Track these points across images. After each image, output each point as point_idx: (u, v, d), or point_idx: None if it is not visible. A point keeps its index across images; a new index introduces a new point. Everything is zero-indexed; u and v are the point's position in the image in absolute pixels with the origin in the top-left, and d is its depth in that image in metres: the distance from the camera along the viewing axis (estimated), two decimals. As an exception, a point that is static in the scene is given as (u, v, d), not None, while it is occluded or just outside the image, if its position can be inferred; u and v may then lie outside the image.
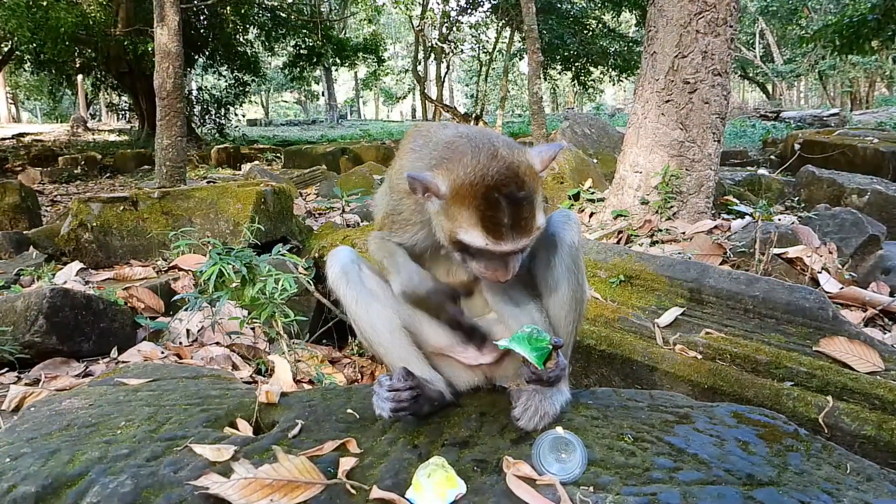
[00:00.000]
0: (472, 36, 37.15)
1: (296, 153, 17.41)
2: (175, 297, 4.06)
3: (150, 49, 15.41)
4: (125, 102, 30.93)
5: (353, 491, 1.63)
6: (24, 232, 6.50)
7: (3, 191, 7.89)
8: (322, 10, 31.63)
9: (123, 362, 3.35)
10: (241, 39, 26.75)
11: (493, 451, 1.82)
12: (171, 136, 9.48)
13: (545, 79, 31.69)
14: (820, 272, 4.35)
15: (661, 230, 5.56)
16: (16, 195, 7.89)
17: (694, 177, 5.88)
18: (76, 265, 4.77)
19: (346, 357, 4.22)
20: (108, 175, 16.53)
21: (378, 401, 1.94)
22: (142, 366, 2.75)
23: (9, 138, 25.34)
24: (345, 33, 37.30)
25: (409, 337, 2.06)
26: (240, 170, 15.93)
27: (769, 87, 42.92)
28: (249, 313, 3.63)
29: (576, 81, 33.56)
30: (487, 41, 37.25)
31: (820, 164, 8.86)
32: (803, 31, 32.69)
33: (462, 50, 38.97)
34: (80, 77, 28.49)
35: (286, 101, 71.33)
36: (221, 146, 19.95)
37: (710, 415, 2.05)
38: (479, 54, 38.80)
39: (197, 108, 27.70)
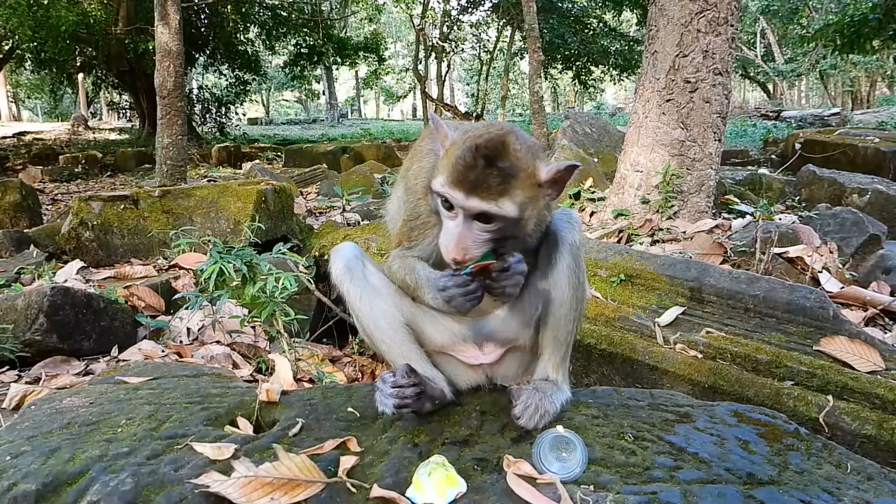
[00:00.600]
0: (473, 35, 37.16)
1: (296, 152, 17.41)
2: (175, 296, 4.06)
3: (150, 48, 15.42)
4: (126, 101, 30.98)
5: (353, 489, 1.63)
6: (25, 230, 6.50)
7: (3, 189, 7.89)
8: (323, 9, 31.60)
9: (124, 361, 3.35)
10: (242, 38, 26.76)
11: (494, 449, 1.82)
12: (172, 134, 9.49)
13: (546, 78, 31.70)
14: (820, 271, 4.35)
15: (661, 229, 5.56)
16: (16, 194, 7.89)
17: (695, 176, 5.88)
18: (77, 264, 4.77)
19: (346, 356, 4.22)
20: (108, 174, 16.54)
21: (381, 397, 1.93)
22: (142, 364, 2.75)
23: (9, 137, 25.33)
24: (345, 32, 37.30)
25: (411, 334, 2.06)
26: (240, 168, 15.93)
27: (770, 87, 42.92)
28: (250, 312, 3.63)
29: (576, 80, 33.56)
30: (488, 40, 37.26)
31: (821, 163, 8.87)
32: (804, 31, 32.65)
33: (463, 49, 38.95)
34: (80, 76, 28.50)
35: (287, 100, 71.32)
36: (222, 145, 19.96)
37: (711, 414, 2.05)
38: (479, 53, 38.82)
39: (198, 107, 27.71)
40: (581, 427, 1.92)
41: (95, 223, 5.13)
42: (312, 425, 1.99)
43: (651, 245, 5.26)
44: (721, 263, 4.58)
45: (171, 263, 4.86)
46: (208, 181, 10.83)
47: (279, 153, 18.88)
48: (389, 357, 2.06)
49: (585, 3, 30.57)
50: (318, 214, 7.95)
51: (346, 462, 1.73)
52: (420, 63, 34.39)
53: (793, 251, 4.49)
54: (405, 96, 58.90)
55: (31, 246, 5.74)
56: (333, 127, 38.82)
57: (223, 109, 28.38)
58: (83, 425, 1.97)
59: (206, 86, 30.53)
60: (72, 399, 2.18)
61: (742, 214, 6.01)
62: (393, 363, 2.05)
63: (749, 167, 12.34)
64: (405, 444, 1.86)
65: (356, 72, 51.14)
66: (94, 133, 28.77)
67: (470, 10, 33.00)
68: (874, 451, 2.48)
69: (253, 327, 4.01)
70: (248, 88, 29.62)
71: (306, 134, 32.22)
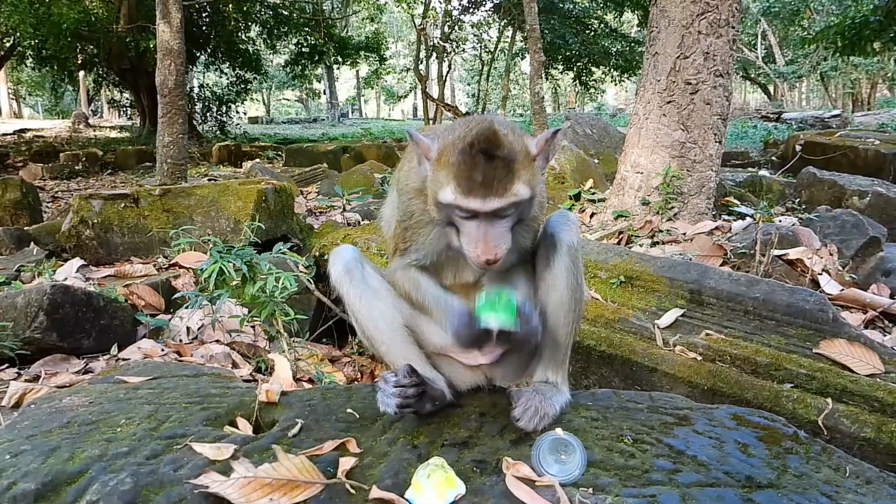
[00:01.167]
0: (474, 35, 37.14)
1: (297, 151, 17.41)
2: (175, 295, 4.06)
3: (152, 46, 15.41)
4: (127, 99, 30.94)
5: (352, 491, 1.63)
6: (25, 228, 6.51)
7: (4, 187, 7.89)
8: (324, 8, 31.62)
9: (123, 359, 3.36)
10: (243, 37, 26.75)
11: (493, 451, 1.82)
12: (173, 133, 9.48)
13: (547, 78, 31.70)
14: (820, 274, 4.34)
15: (661, 231, 5.55)
16: (17, 191, 7.89)
17: (695, 178, 5.88)
18: (77, 262, 4.77)
19: (345, 356, 4.22)
20: (109, 172, 16.53)
21: (383, 397, 1.93)
22: (142, 364, 2.76)
23: (10, 134, 25.33)
24: (347, 31, 37.31)
25: (410, 336, 2.06)
26: (241, 167, 15.93)
27: (771, 88, 42.92)
28: (250, 311, 3.63)
29: (577, 81, 33.57)
30: (489, 40, 37.25)
31: (821, 165, 8.86)
32: (805, 33, 32.66)
33: (464, 49, 38.93)
34: (81, 73, 28.45)
35: (287, 99, 71.27)
36: (223, 144, 19.96)
37: (710, 417, 2.05)
38: (480, 53, 38.79)
39: (198, 106, 27.69)
40: (580, 429, 1.92)
41: (96, 221, 5.13)
42: (312, 426, 1.99)
43: (651, 246, 5.26)
44: (721, 265, 4.57)
45: (171, 262, 4.87)
46: (209, 180, 10.83)
47: (280, 152, 18.88)
48: (389, 358, 2.07)
49: (587, 4, 30.56)
50: (318, 214, 7.96)
51: (346, 463, 1.73)
52: (421, 63, 34.40)
53: (793, 253, 4.49)
54: (406, 96, 58.89)
55: (32, 243, 5.75)
56: (334, 126, 38.82)
57: (224, 108, 28.36)
58: (83, 424, 1.98)
59: (207, 84, 30.50)
60: (71, 398, 2.19)
61: (742, 216, 6.01)
62: (392, 364, 2.05)
63: (749, 169, 12.34)
64: (404, 446, 1.86)
65: (357, 71, 51.14)
66: (94, 131, 28.74)
67: (471, 10, 32.99)
68: (873, 453, 2.47)
69: (252, 327, 4.01)
70: (248, 87, 29.60)
71: (307, 133, 32.23)
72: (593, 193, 7.05)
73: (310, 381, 3.34)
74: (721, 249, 4.81)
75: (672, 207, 5.82)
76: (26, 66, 27.44)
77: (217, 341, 3.79)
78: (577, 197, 7.05)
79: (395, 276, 2.06)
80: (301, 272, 4.12)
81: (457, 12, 33.30)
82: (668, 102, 5.84)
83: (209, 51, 25.64)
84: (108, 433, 1.92)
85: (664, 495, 1.59)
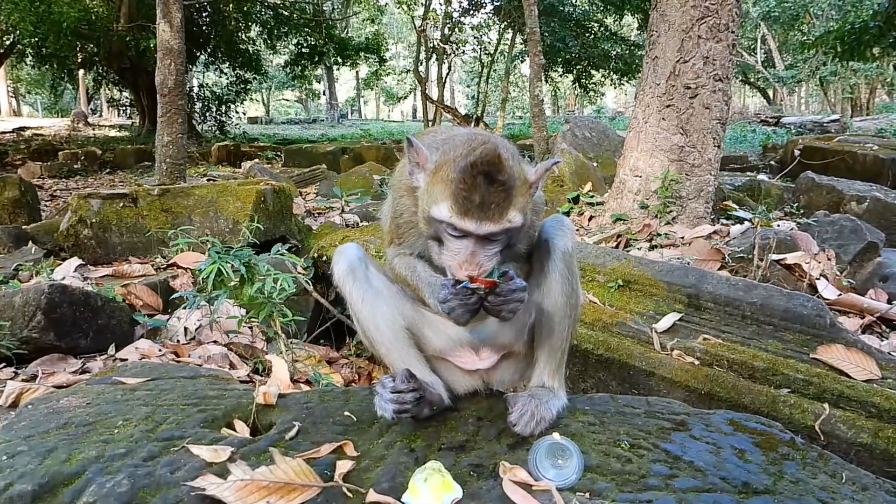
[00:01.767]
0: (474, 37, 37.12)
1: (296, 152, 17.42)
2: (173, 295, 4.06)
3: (152, 45, 15.41)
4: (126, 98, 30.94)
5: (349, 494, 1.63)
6: (23, 227, 6.51)
7: (2, 185, 7.89)
8: (324, 9, 31.61)
9: (121, 359, 3.35)
10: (243, 37, 26.76)
11: (490, 455, 1.82)
12: (172, 133, 9.47)
13: (546, 81, 31.73)
14: (818, 279, 4.35)
15: (660, 234, 5.56)
16: (15, 189, 7.88)
17: (694, 182, 5.88)
18: (75, 261, 4.77)
19: (343, 357, 4.22)
20: (107, 171, 16.53)
21: (380, 402, 1.94)
22: (140, 365, 2.75)
23: (9, 132, 25.32)
24: (347, 32, 37.31)
25: (411, 338, 2.06)
26: (240, 168, 15.94)
27: (770, 93, 42.98)
28: (248, 312, 3.62)
29: (577, 84, 33.55)
30: (489, 43, 37.22)
31: (820, 170, 8.89)
32: (805, 37, 32.73)
33: (464, 51, 38.91)
34: (81, 72, 28.45)
35: (287, 100, 71.22)
36: (222, 144, 19.98)
37: (707, 422, 2.06)
38: (480, 56, 38.76)
39: (198, 105, 27.70)
40: (577, 434, 1.92)
41: (94, 221, 5.12)
42: (309, 429, 1.99)
43: (649, 250, 5.27)
44: (719, 269, 4.58)
45: (170, 262, 4.86)
46: (207, 180, 10.84)
47: (279, 153, 18.89)
48: (389, 360, 2.07)
49: (587, 7, 30.56)
50: (316, 215, 7.96)
51: (343, 466, 1.73)
52: (421, 64, 34.38)
53: (791, 258, 4.50)
54: (405, 97, 58.88)
55: (30, 242, 5.74)
56: (333, 127, 38.81)
57: (223, 108, 28.37)
58: (80, 426, 1.97)
59: (207, 84, 30.50)
60: (69, 399, 2.18)
61: (740, 220, 6.02)
62: (392, 366, 2.05)
63: (748, 173, 12.37)
64: (402, 449, 1.86)
65: (357, 72, 51.10)
66: (93, 129, 28.76)
67: (471, 12, 32.98)
68: (869, 459, 2.48)
69: (250, 328, 4.01)
70: (248, 87, 29.61)
71: (306, 134, 32.22)
72: (592, 196, 7.06)
73: (307, 382, 3.34)
74: (719, 253, 4.81)
75: (670, 211, 5.83)
76: (26, 64, 27.44)
77: (215, 342, 3.79)
78: (575, 200, 7.06)
79: (392, 262, 2.08)
80: (299, 273, 4.12)
81: (457, 14, 33.30)
82: (668, 106, 5.85)
83: (209, 50, 25.65)
84: (105, 434, 1.92)
85: (661, 500, 1.59)
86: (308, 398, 2.25)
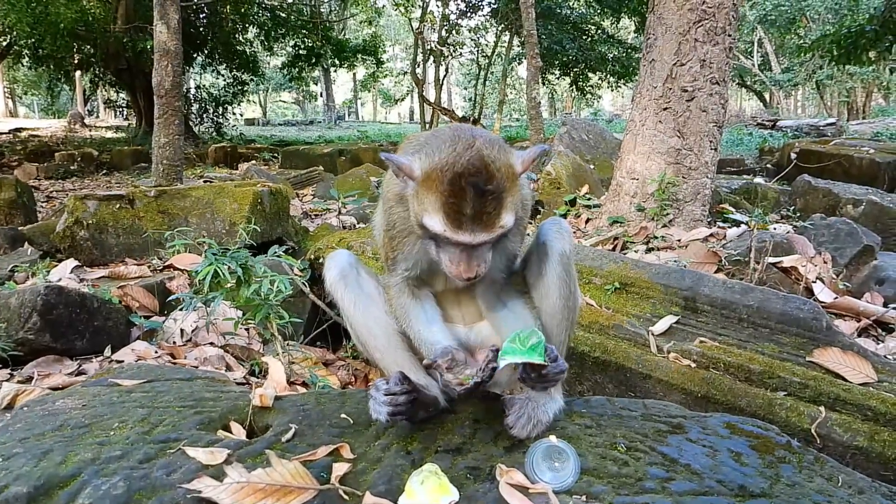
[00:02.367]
0: (472, 39, 37.15)
1: (293, 153, 17.41)
2: (170, 297, 4.05)
3: (149, 46, 15.37)
4: (123, 99, 30.86)
5: (345, 497, 1.63)
6: (20, 228, 6.48)
7: (-1, 186, 7.86)
8: (322, 10, 31.60)
9: (117, 361, 3.34)
10: (241, 38, 26.74)
11: (487, 458, 1.82)
12: (169, 134, 9.47)
13: (543, 83, 31.72)
14: (814, 282, 4.36)
15: (656, 237, 5.56)
16: (11, 191, 7.86)
17: (690, 184, 5.89)
18: (71, 262, 4.75)
19: (340, 359, 4.21)
20: (104, 172, 16.51)
21: (375, 405, 1.94)
22: (136, 366, 2.75)
23: (5, 133, 25.26)
24: (344, 34, 37.29)
25: (404, 342, 2.06)
26: (237, 169, 15.94)
27: (767, 96, 43.04)
28: (244, 314, 3.62)
29: (574, 87, 33.61)
30: (486, 45, 37.27)
31: (816, 173, 8.91)
32: (801, 41, 32.81)
33: (461, 53, 38.94)
34: (78, 73, 28.39)
35: (284, 101, 71.22)
36: (219, 145, 19.96)
37: (703, 425, 2.06)
38: (477, 58, 38.79)
39: (195, 107, 27.65)
40: (574, 437, 1.92)
41: (90, 222, 5.11)
42: (305, 431, 1.99)
43: (646, 253, 5.27)
44: (715, 272, 4.59)
45: (166, 264, 4.85)
46: (204, 181, 10.84)
47: (276, 154, 18.88)
48: (383, 364, 2.07)
49: (584, 10, 30.62)
50: (313, 217, 7.96)
51: (339, 469, 1.73)
52: (418, 66, 34.38)
53: (787, 261, 4.50)
54: (403, 99, 58.97)
55: (26, 244, 5.73)
56: (330, 129, 38.79)
57: (220, 109, 28.32)
58: (76, 428, 1.97)
59: (204, 85, 30.43)
60: (65, 401, 2.18)
61: (737, 223, 6.03)
62: (386, 370, 2.05)
63: (745, 176, 12.37)
64: (398, 452, 1.86)
65: (354, 74, 51.13)
66: (90, 131, 28.69)
67: (469, 14, 33.03)
68: (865, 462, 2.48)
69: (247, 329, 4.00)
70: (245, 89, 29.55)
71: (303, 135, 32.19)
72: (589, 199, 7.07)
73: (304, 384, 3.33)
74: (716, 256, 4.82)
75: (667, 214, 5.83)
76: (23, 66, 27.31)
77: (211, 344, 3.78)
78: (572, 202, 7.07)
79: (389, 292, 2.07)
80: (296, 275, 4.12)
81: (454, 16, 33.34)
82: (665, 109, 5.86)
83: (206, 52, 25.63)
84: (101, 436, 1.91)
85: (657, 503, 1.59)
86: (304, 400, 2.25)
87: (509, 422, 1.92)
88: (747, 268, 4.51)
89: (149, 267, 4.85)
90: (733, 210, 6.77)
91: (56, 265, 4.77)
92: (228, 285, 3.07)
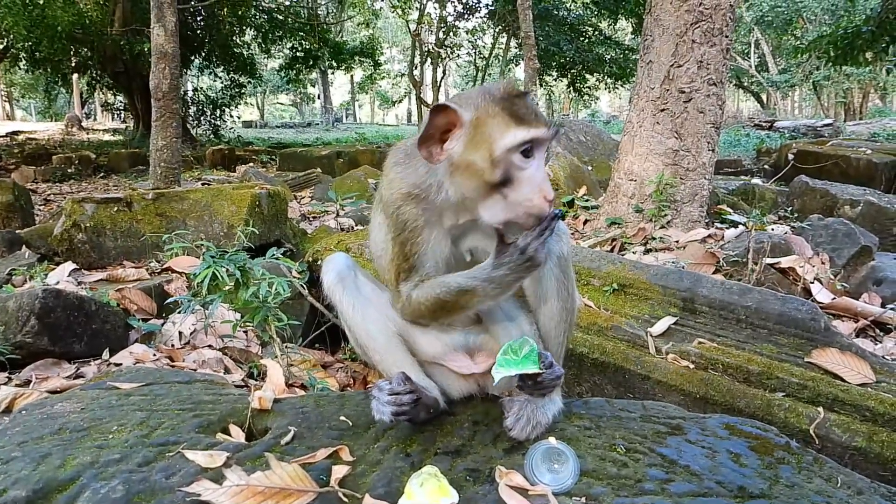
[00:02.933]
0: (469, 41, 37.21)
1: (291, 156, 17.40)
2: (168, 300, 4.05)
3: (146, 49, 15.39)
4: (120, 102, 30.83)
5: (345, 499, 1.63)
6: (17, 231, 6.48)
7: (-5, 189, 7.85)
8: (319, 13, 31.61)
9: (115, 364, 3.34)
10: (238, 41, 26.69)
11: (486, 460, 1.82)
12: (166, 137, 9.45)
13: (541, 85, 31.74)
14: (812, 282, 4.37)
15: (654, 238, 5.57)
16: (9, 194, 7.84)
17: (688, 185, 5.90)
18: (69, 265, 4.74)
19: (338, 361, 4.21)
20: (101, 175, 16.47)
21: (378, 405, 1.93)
22: (135, 370, 2.74)
23: (2, 136, 25.21)
24: (341, 36, 37.32)
25: (403, 344, 2.06)
26: (234, 171, 15.92)
27: (764, 97, 43.13)
28: (242, 316, 3.62)
29: (571, 88, 33.64)
30: (484, 47, 37.32)
31: (813, 174, 8.92)
32: (798, 42, 32.83)
33: (458, 55, 39.01)
34: (75, 76, 28.36)
35: (282, 104, 71.23)
36: (216, 147, 19.93)
37: (703, 426, 2.06)
38: (475, 60, 38.86)
39: (192, 109, 27.60)
40: (573, 438, 1.92)
41: (88, 225, 5.10)
42: (305, 434, 1.99)
43: (644, 254, 5.27)
44: (713, 273, 4.59)
45: (164, 267, 4.84)
46: (202, 184, 10.81)
47: (273, 156, 18.87)
48: (382, 367, 2.06)
49: (581, 12, 30.65)
50: (311, 219, 7.96)
51: (338, 471, 1.73)
52: (416, 68, 34.44)
53: (785, 262, 4.51)
54: (400, 101, 59.07)
55: (24, 247, 5.71)
56: (328, 131, 38.77)
57: (218, 112, 28.27)
58: (74, 431, 1.97)
59: (201, 88, 30.39)
60: (63, 404, 2.18)
61: (735, 224, 6.04)
62: (386, 373, 2.05)
63: (742, 177, 12.40)
64: (397, 454, 1.86)
65: (352, 76, 51.19)
66: (87, 134, 28.65)
67: (466, 16, 33.06)
68: (864, 463, 2.49)
69: (245, 332, 4.00)
70: (243, 91, 29.49)
71: (301, 137, 32.16)
72: (587, 200, 7.07)
73: (302, 386, 3.33)
74: (714, 257, 4.82)
75: (665, 215, 5.84)
76: (20, 69, 27.26)
77: (209, 346, 3.78)
78: (570, 204, 7.07)
79: (410, 305, 1.95)
80: (294, 277, 4.12)
81: (451, 18, 33.38)
82: (662, 110, 5.87)
83: (203, 54, 25.58)
84: (99, 440, 1.91)
85: (657, 505, 1.60)
86: (303, 403, 2.24)
87: (508, 423, 1.92)
88: (745, 269, 4.51)
89: (147, 270, 4.85)
90: (731, 211, 6.77)
91: (54, 268, 4.76)
92: (227, 288, 3.07)
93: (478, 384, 2.15)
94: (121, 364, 3.29)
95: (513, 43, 30.98)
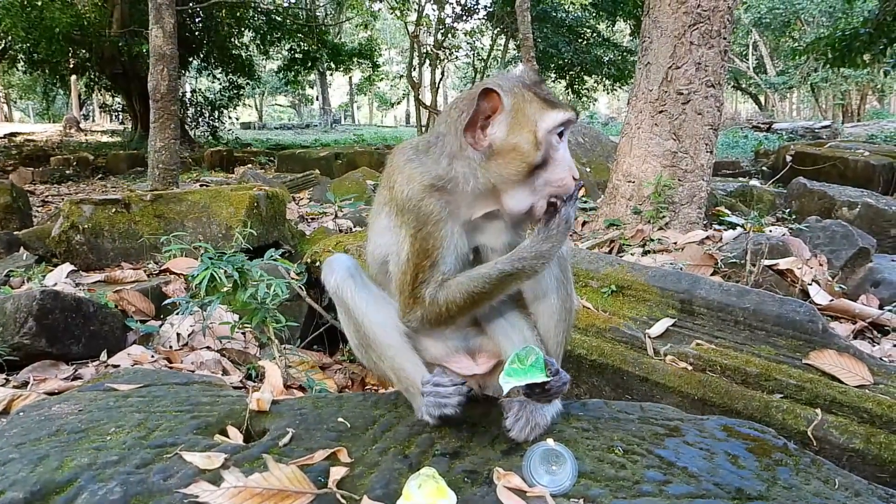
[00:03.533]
0: (467, 43, 37.20)
1: (289, 157, 17.39)
2: (166, 301, 4.05)
3: (144, 51, 15.35)
4: (118, 103, 30.79)
5: (343, 501, 1.63)
6: (15, 232, 6.45)
7: (-6, 191, 7.83)
8: (317, 14, 31.61)
9: (113, 366, 3.34)
10: (236, 42, 26.68)
11: (484, 462, 1.82)
12: (165, 138, 9.45)
13: (539, 86, 31.70)
14: (810, 284, 4.37)
15: (653, 240, 5.57)
16: (7, 195, 7.83)
17: (686, 187, 5.91)
18: (67, 267, 4.74)
19: (336, 363, 4.21)
20: (100, 176, 16.45)
21: (436, 399, 1.95)
22: (133, 371, 2.74)
23: (1, 138, 25.18)
24: (340, 38, 37.33)
25: (410, 343, 2.06)
26: (233, 173, 15.91)
27: (762, 99, 43.17)
28: (241, 318, 3.62)
29: (570, 90, 33.64)
30: (482, 48, 37.31)
31: (811, 175, 8.92)
32: (796, 44, 32.85)
33: (457, 56, 38.98)
34: (73, 77, 28.33)
35: (280, 105, 71.19)
36: (215, 149, 19.93)
37: (700, 428, 2.06)
38: (473, 61, 38.83)
39: (190, 111, 27.57)
40: (571, 440, 1.92)
41: (86, 226, 5.09)
42: (303, 435, 1.99)
43: (642, 255, 5.28)
44: (712, 275, 4.59)
45: (162, 268, 4.84)
46: (200, 185, 10.82)
47: (272, 158, 18.86)
48: (396, 363, 2.02)
49: (579, 13, 30.67)
50: (310, 220, 7.96)
51: (337, 473, 1.73)
52: (414, 70, 34.40)
53: (783, 263, 4.52)
54: (399, 103, 59.06)
55: (21, 248, 5.70)
56: (326, 132, 38.78)
57: (216, 113, 28.25)
58: (72, 433, 1.96)
59: (200, 89, 30.38)
60: (61, 406, 2.17)
61: (733, 226, 6.05)
62: (400, 370, 2.03)
63: (740, 179, 12.42)
64: (395, 456, 1.86)
65: (350, 77, 51.18)
66: (85, 135, 28.63)
67: (464, 18, 33.06)
68: (862, 464, 2.49)
69: (243, 333, 4.00)
70: (241, 92, 29.49)
71: (299, 139, 32.17)
72: (585, 202, 7.07)
73: (300, 388, 3.33)
74: (712, 259, 4.83)
75: (663, 216, 5.84)
76: (18, 70, 27.20)
77: (208, 348, 3.78)
78: (568, 205, 7.05)
79: (433, 310, 1.91)
80: (292, 279, 4.12)
81: (450, 20, 33.36)
82: (660, 112, 5.88)
83: (202, 56, 25.57)
84: (97, 441, 1.91)
85: (655, 506, 1.60)
86: (301, 404, 2.24)
87: (508, 425, 1.92)
88: (743, 270, 4.52)
89: (145, 271, 4.84)
90: (729, 213, 6.78)
91: (52, 270, 4.75)
92: (225, 289, 3.08)
93: (478, 385, 2.15)
94: (119, 365, 3.28)
95: (511, 44, 30.99)
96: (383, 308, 2.04)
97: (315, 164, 15.55)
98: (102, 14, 21.34)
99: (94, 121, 39.42)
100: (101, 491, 1.63)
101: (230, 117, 30.45)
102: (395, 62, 63.87)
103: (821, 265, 4.78)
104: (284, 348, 3.54)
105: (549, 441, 1.80)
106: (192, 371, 3.38)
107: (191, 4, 19.81)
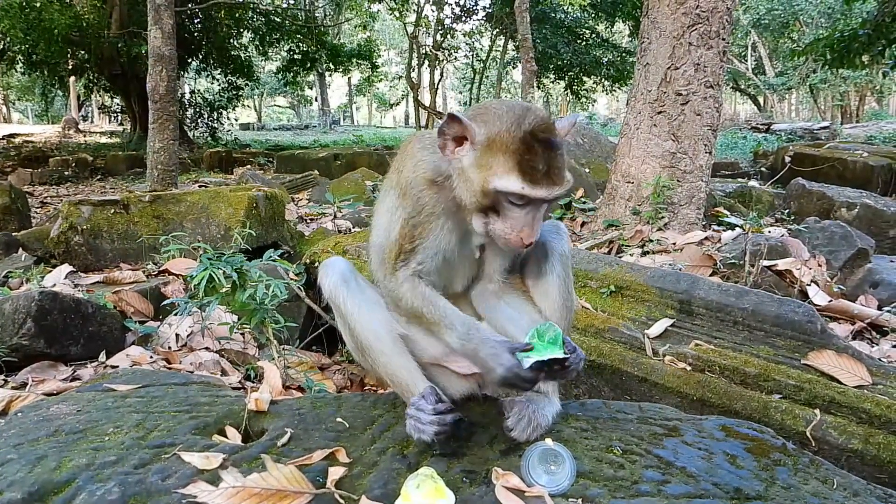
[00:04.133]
0: (466, 44, 37.27)
1: (288, 158, 17.37)
2: (165, 302, 4.04)
3: (143, 52, 15.34)
4: (117, 104, 30.78)
5: (341, 501, 1.63)
6: (14, 233, 6.46)
7: (-7, 192, 7.83)
8: (316, 15, 31.62)
9: (112, 366, 3.33)
10: (235, 43, 26.67)
11: (483, 462, 1.82)
12: (164, 139, 9.45)
13: (538, 87, 31.78)
14: (809, 285, 4.37)
15: (651, 240, 5.57)
16: (6, 196, 7.83)
17: (685, 188, 5.91)
18: (65, 268, 4.73)
19: (335, 364, 4.21)
20: (98, 177, 16.45)
21: (417, 424, 1.88)
22: (131, 371, 2.74)
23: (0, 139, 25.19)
24: (339, 39, 37.32)
25: (406, 346, 2.05)
26: (232, 174, 15.91)
27: (761, 100, 43.21)
28: (239, 318, 3.61)
29: (569, 90, 33.70)
30: (481, 49, 37.39)
31: (810, 176, 8.94)
32: (795, 45, 32.90)
33: (456, 57, 39.07)
34: (72, 78, 28.32)
35: (279, 106, 71.14)
36: (213, 150, 19.92)
37: (699, 428, 2.06)
38: (472, 62, 38.90)
39: (189, 112, 27.54)
40: (570, 440, 1.92)
41: (85, 227, 5.09)
42: (301, 435, 1.99)
43: (641, 256, 5.28)
44: (710, 275, 4.59)
45: (161, 269, 4.84)
46: (199, 186, 10.82)
47: (271, 159, 18.85)
48: (390, 369, 2.01)
49: (579, 14, 30.71)
50: (309, 221, 7.95)
51: (335, 473, 1.73)
52: (413, 71, 34.47)
53: (782, 264, 4.52)
54: (398, 104, 59.08)
55: (20, 249, 5.70)
56: (325, 133, 38.76)
57: (215, 114, 28.22)
58: (70, 433, 1.96)
59: (199, 90, 30.35)
60: (59, 406, 2.17)
61: (732, 227, 6.05)
62: (393, 375, 2.02)
63: (739, 179, 12.42)
64: (394, 456, 1.86)
65: (349, 78, 51.17)
66: (84, 136, 28.61)
67: (463, 18, 33.13)
68: (860, 465, 2.49)
69: (242, 334, 4.00)
70: (240, 93, 29.46)
71: (298, 140, 32.15)
72: (584, 203, 7.08)
73: (299, 388, 3.33)
74: (711, 260, 4.83)
75: (662, 217, 5.85)
76: (16, 71, 27.22)
77: (206, 348, 3.77)
78: (567, 206, 7.07)
79: (399, 290, 1.96)
80: (291, 279, 4.11)
81: (449, 21, 33.43)
82: (659, 113, 5.88)
83: (201, 57, 25.55)
84: (95, 442, 1.90)
85: (653, 506, 1.60)
86: (300, 404, 2.24)
87: (509, 424, 1.92)
88: (742, 271, 4.52)
89: (143, 272, 4.84)
90: (728, 213, 6.78)
91: (50, 271, 4.75)
92: (224, 290, 3.07)
93: (477, 383, 2.14)
94: (117, 366, 3.28)
95: (510, 45, 31.03)
96: (377, 313, 2.02)
97: (314, 164, 15.53)
98: (101, 15, 21.33)
99: (92, 122, 39.39)
100: (100, 491, 1.63)
101: (229, 118, 30.42)
102: (394, 63, 63.88)
103: (819, 266, 4.78)
104: (283, 349, 3.54)
105: (548, 441, 1.80)
106: (191, 371, 3.37)
107: (190, 5, 19.82)
